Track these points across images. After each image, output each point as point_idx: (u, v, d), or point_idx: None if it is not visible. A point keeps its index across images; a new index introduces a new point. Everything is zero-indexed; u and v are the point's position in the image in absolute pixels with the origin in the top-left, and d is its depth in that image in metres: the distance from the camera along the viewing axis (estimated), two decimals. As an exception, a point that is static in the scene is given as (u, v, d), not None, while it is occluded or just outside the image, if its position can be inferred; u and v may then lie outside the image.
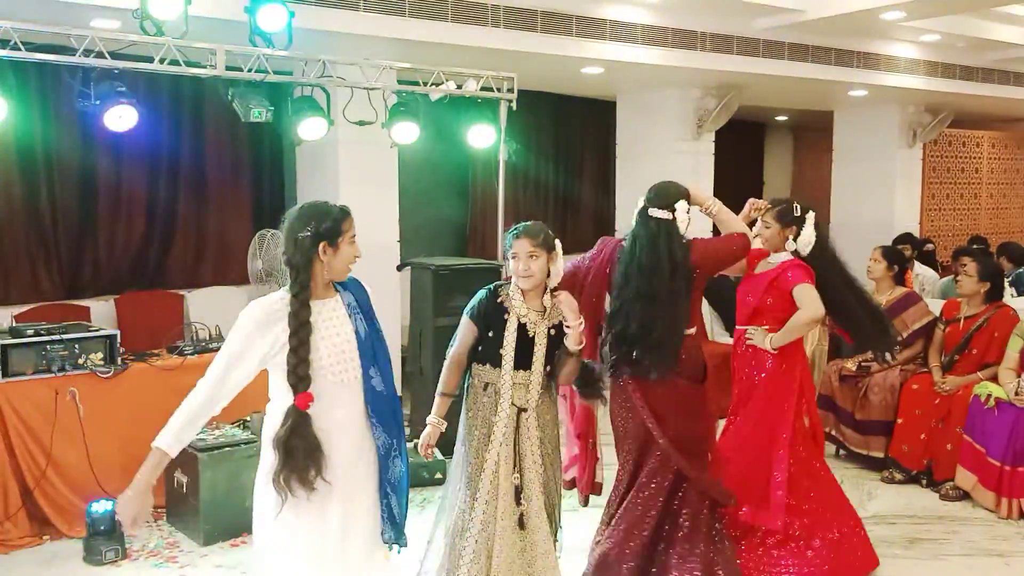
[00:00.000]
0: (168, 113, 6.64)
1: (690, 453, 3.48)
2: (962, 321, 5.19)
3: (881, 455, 5.27)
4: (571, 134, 9.78)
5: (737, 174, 10.96)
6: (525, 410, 3.18)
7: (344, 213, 2.64)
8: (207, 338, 5.10)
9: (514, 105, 5.95)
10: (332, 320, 2.64)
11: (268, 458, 2.58)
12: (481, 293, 3.25)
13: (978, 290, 5.13)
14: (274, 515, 2.55)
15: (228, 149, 7.06)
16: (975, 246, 7.73)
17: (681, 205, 3.54)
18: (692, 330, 3.53)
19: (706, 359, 3.61)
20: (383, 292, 6.62)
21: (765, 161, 14.06)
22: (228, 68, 4.84)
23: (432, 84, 5.65)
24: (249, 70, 4.88)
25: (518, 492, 3.12)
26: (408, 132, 5.60)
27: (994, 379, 4.95)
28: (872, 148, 10.26)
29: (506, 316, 3.16)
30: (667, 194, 3.60)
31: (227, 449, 4.36)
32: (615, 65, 6.88)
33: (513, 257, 3.18)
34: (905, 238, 8.17)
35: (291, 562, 2.59)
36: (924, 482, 5.09)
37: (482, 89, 5.80)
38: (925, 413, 5.09)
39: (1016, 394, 4.65)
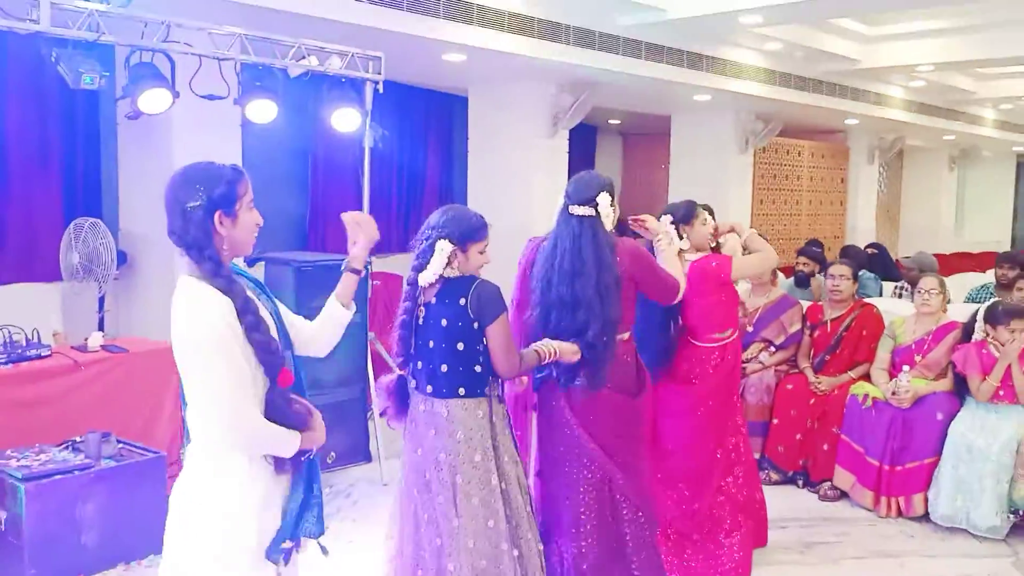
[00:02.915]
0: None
1: (624, 466, 3.20)
2: (829, 323, 5.25)
3: (757, 456, 5.24)
4: (419, 128, 9.38)
5: (570, 176, 10.96)
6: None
7: (238, 174, 2.15)
8: (23, 343, 4.28)
9: (380, 87, 5.48)
10: (256, 299, 2.18)
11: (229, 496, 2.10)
12: (493, 287, 2.84)
13: (853, 291, 5.21)
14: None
15: (34, 124, 6.11)
16: (814, 248, 7.96)
17: (603, 198, 3.25)
18: (625, 335, 3.25)
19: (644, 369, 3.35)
20: (224, 290, 6.06)
21: (596, 164, 14.21)
22: (54, 25, 4.09)
23: (291, 59, 5.08)
24: (79, 28, 4.15)
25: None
26: (265, 111, 4.99)
27: (865, 378, 5.04)
28: (708, 153, 10.53)
29: None
30: (587, 187, 3.29)
31: (57, 477, 3.63)
32: (479, 52, 6.54)
33: (481, 253, 2.86)
34: None
35: None
36: (800, 482, 5.10)
37: (347, 68, 5.28)
38: (800, 413, 5.10)
39: (893, 394, 4.72)
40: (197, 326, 2.03)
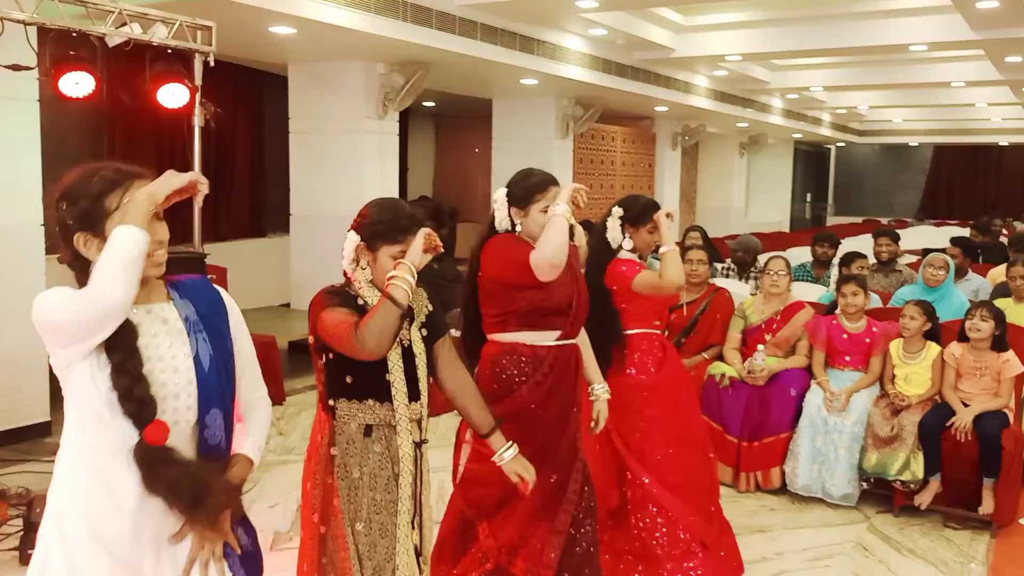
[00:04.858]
0: None
1: None
2: (685, 307, 5.36)
3: (617, 440, 5.25)
4: (230, 106, 8.73)
5: (401, 161, 10.72)
6: (424, 442, 2.45)
7: (110, 183, 1.78)
8: None
9: (212, 60, 4.98)
10: (158, 335, 1.81)
11: None
12: (333, 290, 2.36)
13: (707, 276, 5.33)
14: None
15: None
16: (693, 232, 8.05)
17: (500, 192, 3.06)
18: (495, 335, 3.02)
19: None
20: (25, 290, 5.32)
21: (409, 148, 14.00)
22: None
23: (111, 26, 4.49)
24: None
25: (418, 554, 2.40)
26: (82, 84, 4.39)
27: (720, 359, 5.18)
28: (529, 137, 10.59)
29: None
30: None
31: None
32: (310, 25, 6.13)
33: (385, 255, 2.38)
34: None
35: None
36: (660, 463, 5.17)
37: (174, 38, 4.75)
38: (658, 396, 5.16)
39: (748, 372, 4.87)
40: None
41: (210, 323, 1.89)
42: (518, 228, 2.99)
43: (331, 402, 2.36)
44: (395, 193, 8.38)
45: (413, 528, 2.36)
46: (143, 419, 1.73)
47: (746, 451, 4.84)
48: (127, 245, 1.65)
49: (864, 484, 4.56)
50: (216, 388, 1.85)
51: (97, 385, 1.72)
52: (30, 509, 3.74)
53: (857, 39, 8.82)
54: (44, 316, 1.70)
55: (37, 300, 1.71)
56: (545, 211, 2.94)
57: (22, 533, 3.78)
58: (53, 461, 4.73)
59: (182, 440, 1.82)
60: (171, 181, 1.75)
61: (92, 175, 1.78)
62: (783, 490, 4.75)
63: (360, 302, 2.32)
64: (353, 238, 2.39)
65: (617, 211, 3.59)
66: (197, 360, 1.83)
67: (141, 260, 1.66)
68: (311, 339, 2.36)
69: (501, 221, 3.00)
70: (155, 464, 1.73)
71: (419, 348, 2.40)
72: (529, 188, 2.99)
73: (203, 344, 1.85)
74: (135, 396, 1.72)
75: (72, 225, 1.75)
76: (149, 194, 1.71)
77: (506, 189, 3.02)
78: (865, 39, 8.79)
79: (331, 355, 2.32)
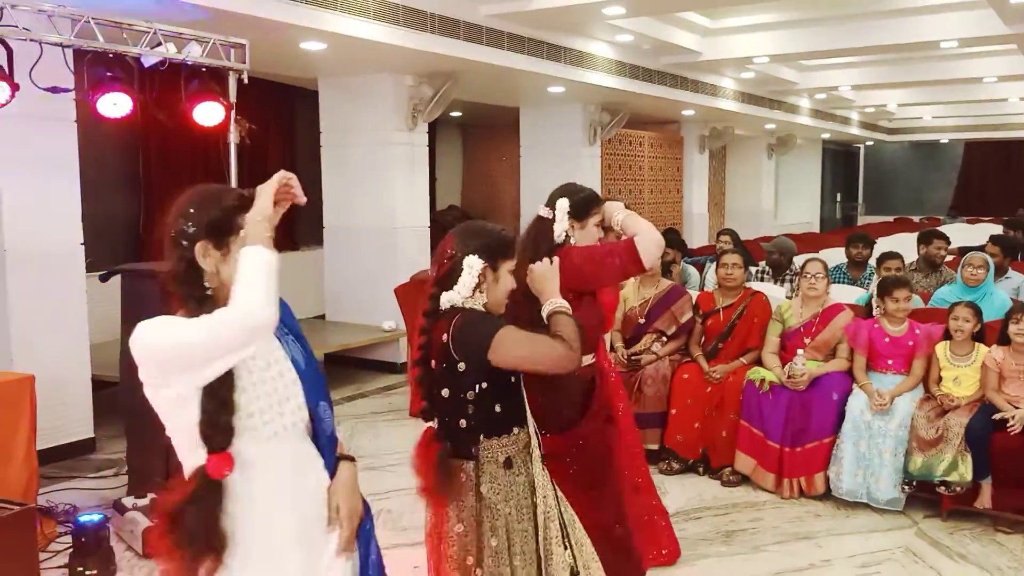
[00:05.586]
0: None
1: None
2: (721, 311, 5.32)
3: (656, 447, 5.22)
4: (262, 122, 8.80)
5: (431, 171, 10.75)
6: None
7: (245, 201, 1.81)
8: None
9: (246, 77, 5.03)
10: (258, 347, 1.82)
11: None
12: (454, 315, 2.27)
13: (743, 279, 5.30)
14: None
15: None
16: (671, 236, 8.10)
17: (562, 203, 3.07)
18: None
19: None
20: (66, 308, 5.39)
21: (436, 158, 14.05)
22: None
23: (146, 46, 4.55)
24: None
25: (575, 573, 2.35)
26: (120, 104, 4.45)
27: (758, 363, 5.14)
28: (557, 145, 10.58)
29: None
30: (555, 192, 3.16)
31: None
32: (340, 40, 6.17)
33: (505, 271, 2.36)
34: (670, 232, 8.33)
35: None
36: (701, 470, 5.14)
37: (208, 56, 4.80)
38: (697, 402, 5.12)
39: (789, 376, 4.82)
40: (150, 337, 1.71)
41: (288, 323, 1.92)
42: (572, 240, 3.03)
43: (482, 438, 2.28)
44: (426, 204, 8.41)
45: (566, 548, 2.32)
46: (215, 446, 1.73)
47: (788, 457, 4.79)
48: (266, 261, 1.69)
49: (907, 488, 4.48)
50: (316, 381, 1.89)
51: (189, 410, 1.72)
52: (79, 527, 3.77)
53: (887, 37, 8.72)
54: (163, 343, 1.68)
55: (144, 332, 1.70)
56: (599, 225, 3.04)
57: (71, 550, 3.82)
58: (98, 477, 4.79)
59: (300, 440, 1.86)
60: (267, 191, 1.78)
61: (223, 191, 1.83)
62: (827, 496, 4.69)
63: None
64: (476, 263, 2.28)
65: (563, 203, 3.14)
66: (294, 361, 1.87)
67: (276, 276, 1.70)
68: (461, 367, 2.22)
69: (561, 234, 3.01)
70: (196, 501, 1.72)
71: None
72: (587, 201, 3.05)
73: (293, 344, 1.90)
74: (219, 423, 1.72)
75: (195, 232, 1.76)
76: (262, 213, 1.75)
77: (567, 199, 3.04)
78: (895, 37, 8.69)
79: (485, 384, 2.24)
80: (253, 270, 1.67)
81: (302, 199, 1.87)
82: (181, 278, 1.77)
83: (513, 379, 2.30)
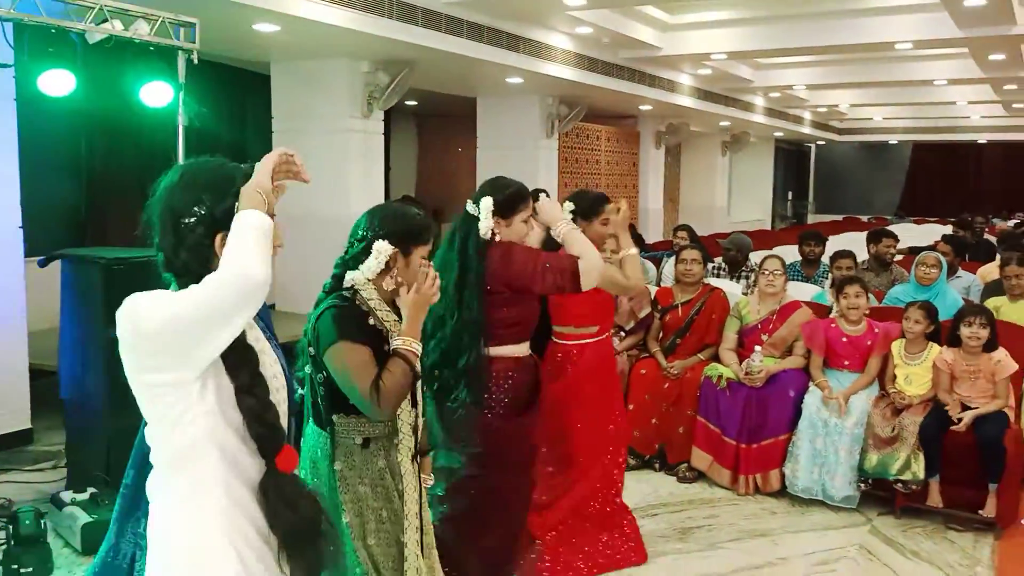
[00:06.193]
0: None
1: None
2: (680, 307, 5.28)
3: (612, 443, 5.17)
4: (212, 105, 8.56)
5: (387, 161, 10.62)
6: (421, 454, 2.40)
7: (246, 176, 1.67)
8: None
9: (195, 57, 4.86)
10: (255, 343, 1.69)
11: None
12: (333, 302, 2.25)
13: (702, 275, 5.27)
14: None
15: None
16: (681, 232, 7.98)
17: (485, 203, 3.00)
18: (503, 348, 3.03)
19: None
20: (3, 293, 5.16)
21: (391, 147, 13.85)
22: None
23: (91, 22, 4.35)
24: None
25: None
26: (62, 82, 4.26)
27: (715, 359, 5.12)
28: (515, 137, 10.48)
29: (385, 339, 2.26)
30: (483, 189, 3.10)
31: None
32: (295, 22, 6.00)
33: (416, 258, 2.34)
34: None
35: None
36: (657, 465, 5.11)
37: (156, 34, 4.62)
38: (654, 397, 5.09)
39: (746, 373, 4.80)
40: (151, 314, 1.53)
41: (269, 326, 1.81)
42: (498, 238, 2.97)
43: (333, 417, 2.26)
44: (381, 193, 8.25)
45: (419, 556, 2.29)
46: (274, 447, 1.62)
47: (745, 453, 4.78)
48: (259, 223, 1.56)
49: (862, 485, 4.50)
50: (293, 388, 1.79)
51: (226, 412, 1.58)
52: (15, 523, 3.60)
53: (843, 37, 8.79)
54: (155, 317, 1.49)
55: (135, 306, 1.51)
56: (526, 222, 3.02)
57: (6, 547, 3.64)
58: (35, 470, 4.55)
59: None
60: (266, 166, 1.66)
61: (232, 172, 1.68)
62: (783, 493, 4.69)
63: (371, 322, 2.24)
64: (385, 247, 2.26)
65: (568, 205, 3.48)
66: (281, 365, 1.75)
67: (271, 240, 1.58)
68: (311, 351, 2.25)
69: (486, 232, 2.95)
70: (282, 500, 1.62)
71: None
72: (512, 198, 3.02)
73: (276, 347, 1.77)
74: (267, 421, 1.60)
75: (211, 219, 1.62)
76: (256, 184, 1.62)
77: (491, 198, 2.97)
78: (851, 37, 8.76)
79: (325, 375, 2.24)
80: (245, 231, 1.54)
81: (306, 176, 1.76)
82: (191, 268, 1.60)
83: None
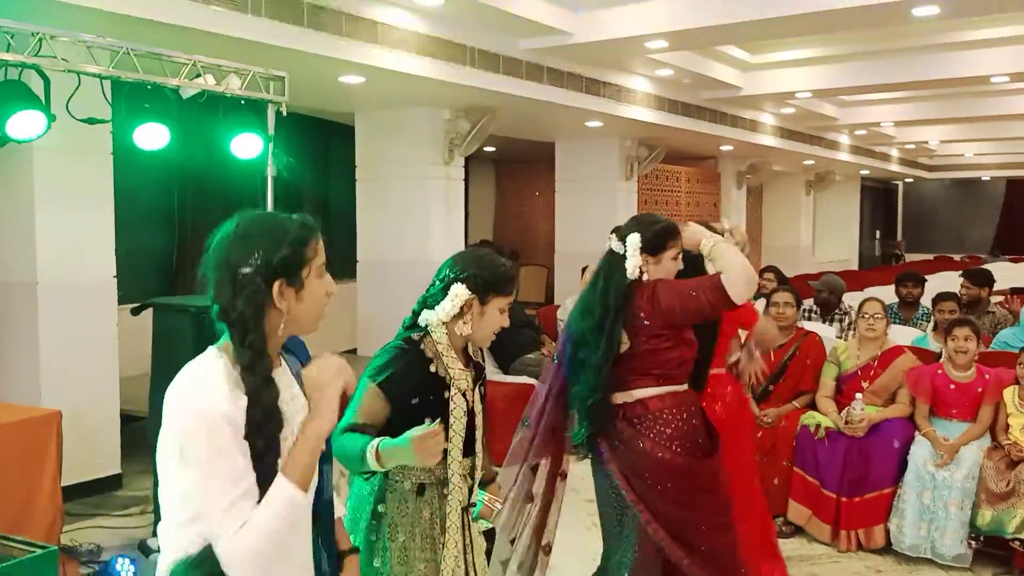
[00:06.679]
0: None
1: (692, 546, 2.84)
2: (772, 352, 5.09)
3: (703, 495, 4.98)
4: (298, 156, 8.77)
5: (467, 206, 10.69)
6: (472, 506, 2.32)
7: (308, 230, 1.64)
8: None
9: (284, 109, 4.95)
10: (290, 403, 1.64)
11: None
12: (398, 344, 2.25)
13: (796, 319, 5.08)
14: None
15: None
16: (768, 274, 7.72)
17: (633, 239, 2.87)
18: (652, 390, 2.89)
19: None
20: (98, 342, 5.29)
21: (469, 193, 13.96)
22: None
23: (185, 77, 4.47)
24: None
25: None
26: (156, 136, 4.36)
27: (810, 408, 4.90)
28: (594, 180, 10.44)
29: (446, 386, 2.22)
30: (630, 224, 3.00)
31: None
32: (380, 74, 6.09)
33: (494, 308, 2.31)
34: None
35: None
36: (751, 520, 4.88)
37: (247, 88, 4.72)
38: (747, 447, 4.89)
39: (846, 422, 4.58)
40: (190, 404, 1.53)
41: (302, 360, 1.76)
42: (645, 277, 2.85)
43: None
44: (461, 238, 8.28)
45: None
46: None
47: (846, 507, 4.53)
48: (287, 511, 1.53)
49: (974, 543, 4.21)
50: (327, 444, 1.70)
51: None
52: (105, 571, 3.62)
53: (935, 72, 8.52)
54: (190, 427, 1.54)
55: (179, 396, 1.56)
56: (675, 259, 2.88)
57: (95, 596, 3.66)
58: (124, 515, 4.60)
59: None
60: (332, 400, 1.60)
61: (283, 218, 1.65)
62: (888, 550, 4.43)
63: (432, 368, 2.20)
64: (463, 291, 2.24)
65: (633, 238, 2.92)
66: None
67: (292, 525, 1.56)
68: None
69: (634, 271, 2.84)
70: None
71: (479, 407, 2.31)
72: (662, 234, 2.89)
73: None
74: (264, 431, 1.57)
75: (274, 271, 1.57)
76: (318, 435, 1.58)
77: (639, 234, 2.86)
78: (944, 72, 8.49)
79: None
80: (275, 516, 1.52)
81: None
82: (246, 317, 1.55)
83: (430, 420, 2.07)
